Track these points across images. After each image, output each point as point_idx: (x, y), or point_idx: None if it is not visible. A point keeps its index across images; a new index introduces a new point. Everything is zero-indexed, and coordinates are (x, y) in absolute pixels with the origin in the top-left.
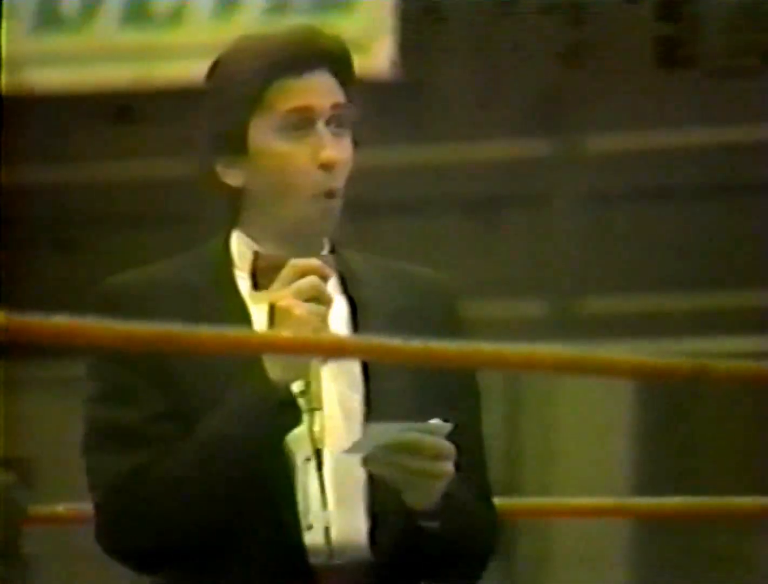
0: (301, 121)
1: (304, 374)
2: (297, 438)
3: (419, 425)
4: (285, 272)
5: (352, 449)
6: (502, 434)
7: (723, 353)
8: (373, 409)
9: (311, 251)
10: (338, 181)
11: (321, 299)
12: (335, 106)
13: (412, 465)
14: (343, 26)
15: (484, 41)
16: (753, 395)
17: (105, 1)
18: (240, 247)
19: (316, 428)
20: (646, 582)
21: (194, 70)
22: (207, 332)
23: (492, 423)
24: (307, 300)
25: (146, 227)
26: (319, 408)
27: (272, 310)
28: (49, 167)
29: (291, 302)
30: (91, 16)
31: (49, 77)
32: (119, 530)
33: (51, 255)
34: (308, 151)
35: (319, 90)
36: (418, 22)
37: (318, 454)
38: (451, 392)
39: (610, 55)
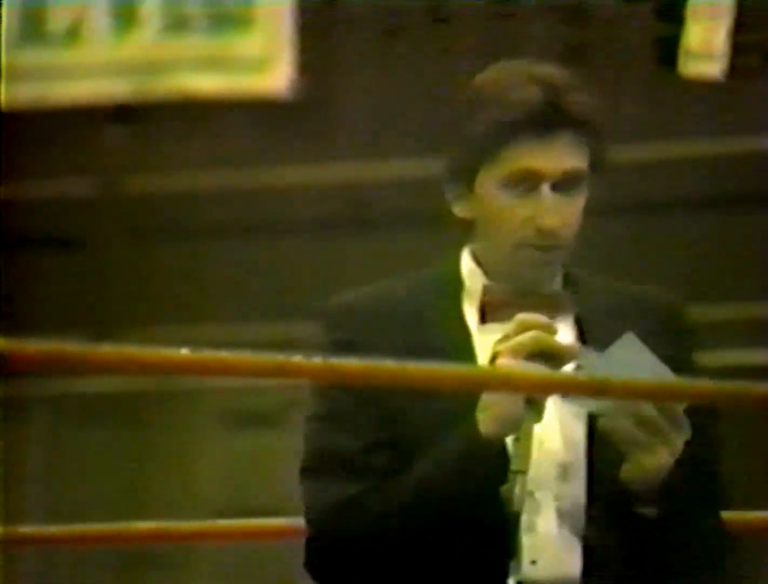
0: (526, 182)
1: (515, 431)
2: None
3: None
4: (511, 327)
5: (582, 400)
6: None
7: None
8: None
9: (537, 286)
10: (555, 241)
11: (549, 354)
12: (568, 171)
13: (652, 419)
14: (241, 44)
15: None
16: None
17: None
18: (471, 277)
19: (517, 491)
20: None
21: (91, 89)
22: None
23: None
24: (535, 355)
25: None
26: (524, 472)
27: (493, 361)
28: None
29: (511, 362)
30: None
31: None
32: (329, 557)
33: None
34: (527, 212)
35: (554, 154)
36: (318, 40)
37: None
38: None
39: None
